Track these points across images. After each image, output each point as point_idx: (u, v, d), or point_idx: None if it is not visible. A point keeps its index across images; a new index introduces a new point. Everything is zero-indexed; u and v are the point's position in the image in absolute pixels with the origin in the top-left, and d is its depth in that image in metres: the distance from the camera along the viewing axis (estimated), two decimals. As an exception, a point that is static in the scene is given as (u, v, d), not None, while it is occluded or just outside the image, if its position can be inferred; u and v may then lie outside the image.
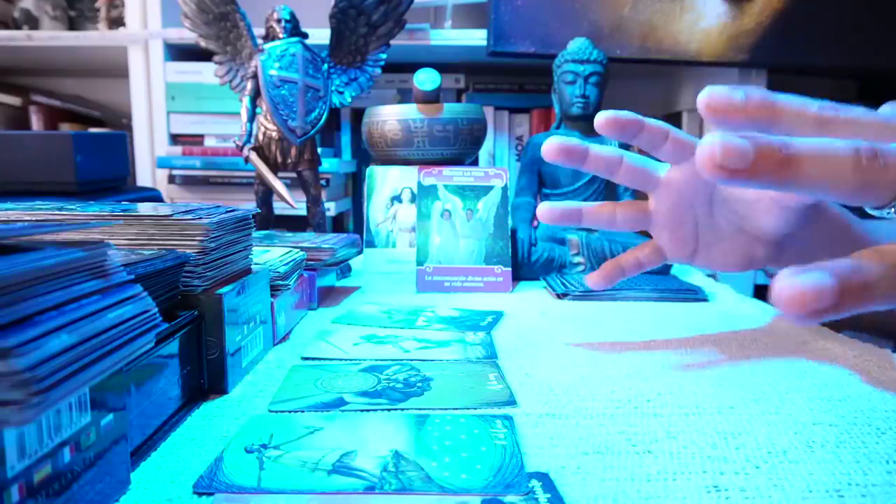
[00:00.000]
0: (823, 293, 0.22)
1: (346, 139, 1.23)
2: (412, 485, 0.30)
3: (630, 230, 0.52)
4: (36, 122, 1.28)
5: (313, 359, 0.49)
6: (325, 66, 0.83)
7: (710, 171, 0.25)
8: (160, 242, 0.42)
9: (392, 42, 0.87)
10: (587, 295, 0.71)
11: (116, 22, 1.20)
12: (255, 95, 0.80)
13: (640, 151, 0.51)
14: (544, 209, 0.51)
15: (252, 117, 0.80)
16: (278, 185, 0.79)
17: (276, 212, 0.86)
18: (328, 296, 0.72)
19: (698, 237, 0.50)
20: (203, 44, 0.85)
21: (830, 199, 0.30)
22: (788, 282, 0.23)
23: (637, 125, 0.45)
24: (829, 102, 0.29)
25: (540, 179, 0.88)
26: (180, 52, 1.15)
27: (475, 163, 0.96)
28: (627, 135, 0.45)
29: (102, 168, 0.72)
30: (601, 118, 0.44)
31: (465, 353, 0.50)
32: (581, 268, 0.82)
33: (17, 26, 1.19)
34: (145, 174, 1.14)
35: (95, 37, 1.12)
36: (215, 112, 1.12)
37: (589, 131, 0.87)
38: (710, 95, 0.29)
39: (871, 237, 0.46)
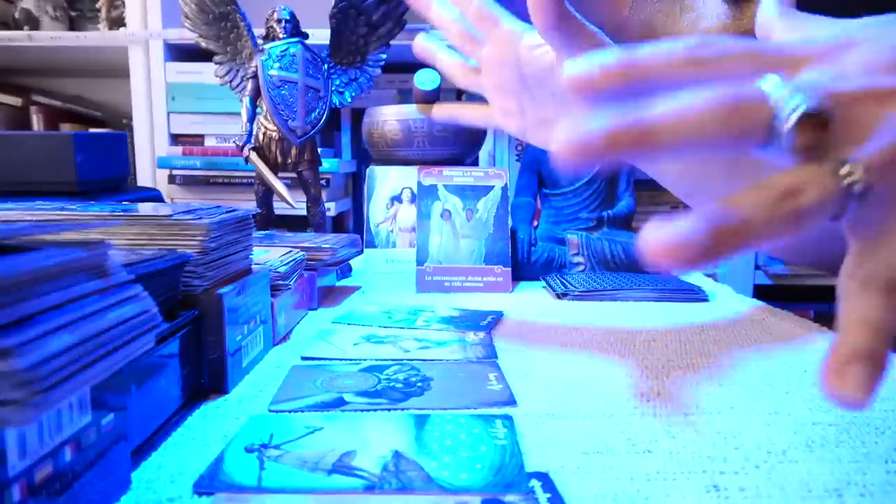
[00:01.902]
0: (692, 241, 0.20)
1: (346, 139, 1.23)
2: (412, 484, 0.30)
3: (466, 86, 0.50)
4: (36, 123, 1.28)
5: (313, 359, 0.49)
6: (326, 66, 0.83)
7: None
8: (160, 242, 0.42)
9: (392, 42, 0.87)
10: (587, 295, 0.71)
11: (117, 22, 1.20)
12: (256, 95, 0.80)
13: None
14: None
15: (252, 117, 0.80)
16: (278, 186, 0.79)
17: (277, 212, 0.86)
18: (328, 296, 0.72)
19: (525, 112, 0.47)
20: (203, 44, 0.85)
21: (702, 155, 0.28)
22: (655, 234, 0.21)
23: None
24: (699, 40, 0.25)
25: (540, 179, 0.88)
26: (180, 53, 1.15)
27: (475, 163, 0.96)
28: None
29: (103, 168, 0.72)
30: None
31: (465, 353, 0.50)
32: (581, 268, 0.82)
33: (18, 26, 1.19)
34: (146, 174, 1.14)
35: (96, 37, 1.12)
36: (215, 112, 1.12)
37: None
38: (569, 77, 0.25)
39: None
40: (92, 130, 1.26)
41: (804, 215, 0.21)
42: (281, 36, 0.80)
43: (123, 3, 1.14)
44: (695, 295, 0.71)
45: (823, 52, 0.25)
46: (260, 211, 0.82)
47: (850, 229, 0.23)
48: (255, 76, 0.79)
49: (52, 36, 1.12)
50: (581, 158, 0.22)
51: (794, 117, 0.21)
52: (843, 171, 0.21)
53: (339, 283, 0.79)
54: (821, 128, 0.22)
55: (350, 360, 0.49)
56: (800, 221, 0.21)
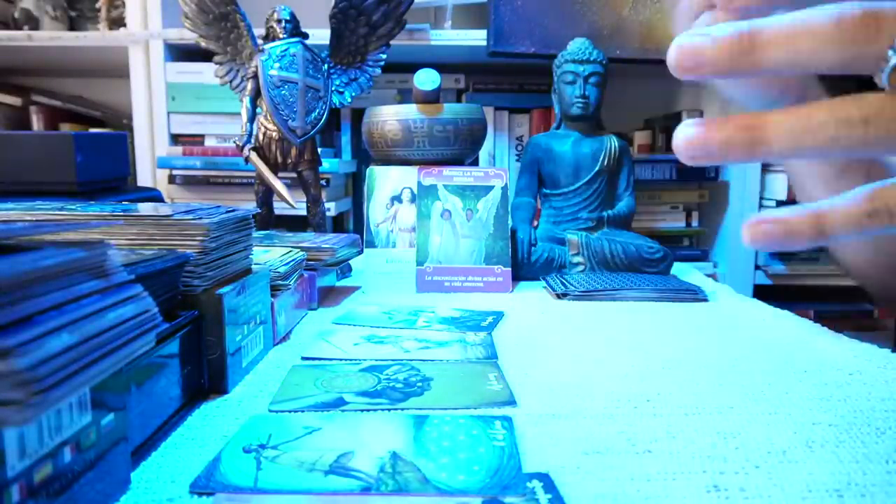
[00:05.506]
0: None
1: (346, 139, 1.23)
2: (408, 486, 0.30)
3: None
4: (36, 123, 1.28)
5: (313, 359, 0.49)
6: (326, 66, 0.83)
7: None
8: (160, 242, 0.42)
9: (392, 42, 0.87)
10: (587, 295, 0.71)
11: (117, 22, 1.20)
12: (256, 96, 0.80)
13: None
14: None
15: (252, 117, 0.80)
16: (278, 186, 0.79)
17: (277, 212, 0.86)
18: (328, 296, 0.72)
19: None
20: (203, 44, 0.85)
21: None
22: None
23: None
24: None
25: (540, 179, 0.88)
26: (181, 53, 1.15)
27: (475, 163, 0.96)
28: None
29: (103, 168, 0.72)
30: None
31: (465, 354, 0.50)
32: (581, 268, 0.82)
33: (18, 26, 1.19)
34: (146, 174, 1.14)
35: (96, 37, 1.12)
36: (215, 112, 1.12)
37: (589, 131, 0.87)
38: (677, 53, 0.25)
39: None
40: (92, 130, 1.26)
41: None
42: (281, 36, 0.80)
43: (123, 3, 1.14)
44: (695, 295, 0.71)
45: None
46: (260, 211, 0.82)
47: None
48: (255, 76, 0.79)
49: (51, 36, 1.12)
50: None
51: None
52: None
53: (339, 283, 0.79)
54: None
55: (350, 360, 0.49)
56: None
